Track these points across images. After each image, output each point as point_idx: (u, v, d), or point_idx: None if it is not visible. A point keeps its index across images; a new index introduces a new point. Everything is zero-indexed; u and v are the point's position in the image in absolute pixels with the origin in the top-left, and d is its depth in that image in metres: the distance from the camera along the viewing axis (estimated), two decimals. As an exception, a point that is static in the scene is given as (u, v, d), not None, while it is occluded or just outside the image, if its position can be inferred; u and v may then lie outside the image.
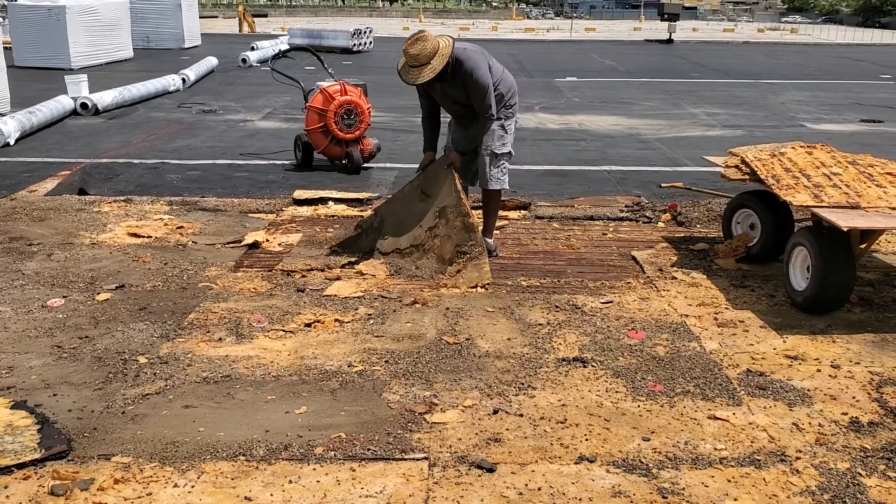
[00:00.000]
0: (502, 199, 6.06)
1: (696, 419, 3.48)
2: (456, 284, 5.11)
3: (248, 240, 5.94)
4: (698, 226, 6.60)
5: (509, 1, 73.20)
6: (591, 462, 3.13)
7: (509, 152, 5.62)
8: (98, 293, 4.89)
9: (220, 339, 4.26)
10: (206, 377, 3.81)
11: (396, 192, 5.88)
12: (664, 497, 2.92)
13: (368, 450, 3.19)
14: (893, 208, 4.58)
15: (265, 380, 3.80)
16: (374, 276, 5.23)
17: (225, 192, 7.83)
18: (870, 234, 4.84)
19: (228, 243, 5.97)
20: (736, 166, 5.56)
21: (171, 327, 4.40)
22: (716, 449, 3.24)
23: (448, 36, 5.32)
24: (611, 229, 6.52)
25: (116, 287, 5.00)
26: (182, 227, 6.35)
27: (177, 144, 10.60)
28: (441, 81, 5.26)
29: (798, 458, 3.18)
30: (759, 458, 3.18)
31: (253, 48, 24.23)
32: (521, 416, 3.48)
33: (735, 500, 2.91)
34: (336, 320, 4.49)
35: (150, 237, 6.05)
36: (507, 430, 3.36)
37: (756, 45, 36.41)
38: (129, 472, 3.02)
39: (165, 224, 6.40)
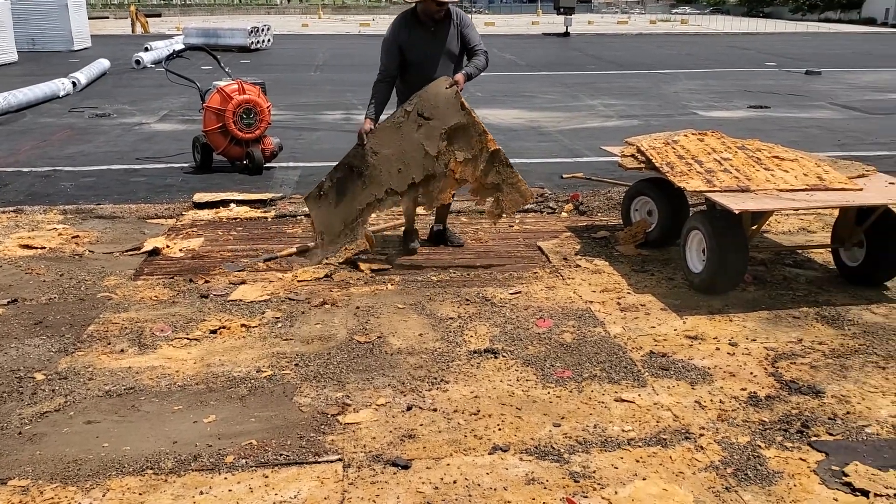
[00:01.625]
0: None
1: (603, 402, 3.57)
2: (498, 213, 5.18)
3: (148, 246, 5.76)
4: (599, 214, 6.77)
5: (408, -4, 73.14)
6: (505, 451, 3.18)
7: None
8: (-12, 309, 4.65)
9: (121, 350, 4.12)
10: (109, 390, 3.68)
11: (383, 122, 5.44)
12: (576, 481, 2.98)
13: (281, 455, 3.14)
14: (781, 190, 4.80)
15: (171, 390, 3.70)
16: (281, 277, 5.15)
17: (122, 199, 7.56)
18: (760, 216, 5.06)
19: (127, 251, 5.77)
20: (632, 155, 5.72)
21: (70, 341, 4.23)
22: (623, 431, 3.33)
23: None
24: (517, 221, 6.61)
25: (9, 302, 4.77)
26: (78, 236, 6.11)
27: (69, 151, 10.17)
28: (437, 27, 5.26)
29: (702, 435, 3.30)
30: (664, 437, 3.29)
31: (147, 49, 23.50)
32: (435, 410, 3.49)
33: (644, 479, 3.00)
34: (242, 325, 4.40)
35: (44, 248, 5.80)
36: (422, 425, 3.37)
37: (649, 37, 37.52)
38: (27, 496, 2.89)
39: (60, 234, 6.14)
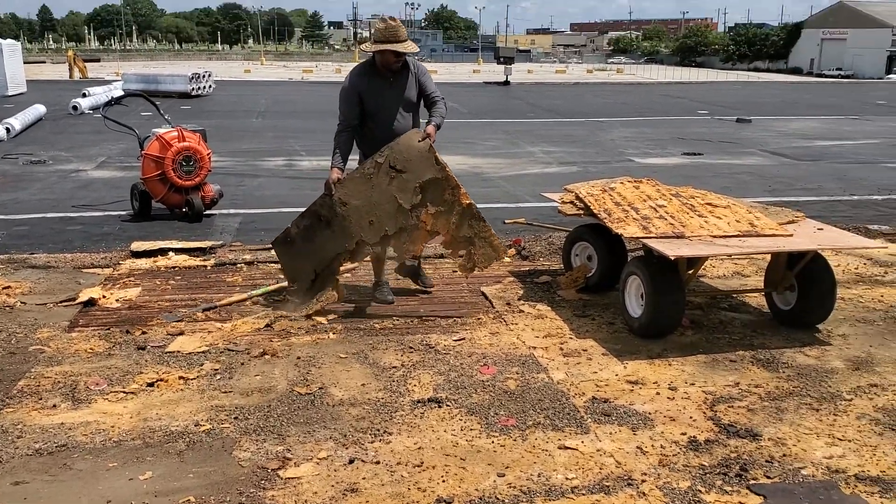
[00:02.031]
0: None
1: (547, 450, 3.57)
2: (471, 267, 5.18)
3: (84, 297, 5.62)
4: (541, 259, 6.85)
5: (351, 44, 73.92)
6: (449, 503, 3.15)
7: None
8: (-90, 365, 4.46)
9: (54, 405, 3.98)
10: (39, 448, 3.55)
11: (351, 172, 5.45)
12: (521, 531, 2.96)
13: (220, 512, 3.06)
14: (715, 236, 4.93)
15: (105, 446, 3.58)
16: (220, 328, 5.07)
17: (57, 248, 7.38)
18: (696, 262, 5.19)
19: (61, 302, 5.62)
20: (571, 202, 5.82)
21: (-2, 397, 4.07)
22: (567, 479, 3.34)
23: None
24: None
25: (-68, 357, 4.59)
26: (9, 287, 5.92)
27: (1, 199, 9.91)
28: (395, 77, 5.33)
29: (644, 481, 3.32)
30: (607, 484, 3.30)
31: (85, 94, 23.20)
32: (378, 463, 3.45)
33: (587, 527, 3.00)
34: (180, 378, 4.30)
35: (-29, 300, 5.60)
36: (364, 479, 3.32)
37: (586, 86, 38.44)
38: (-50, 563, 2.75)
39: (-11, 285, 5.95)
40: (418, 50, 5.38)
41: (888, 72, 63.98)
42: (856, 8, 70.40)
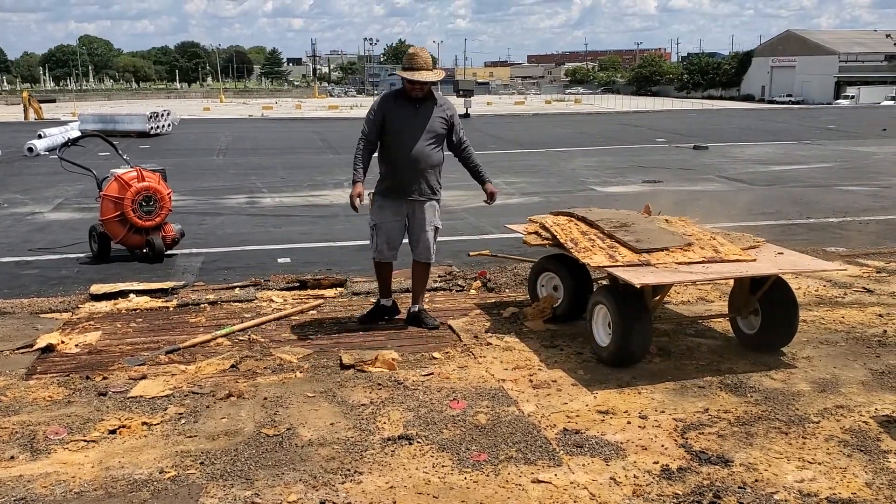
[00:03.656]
0: (317, 277, 6.18)
1: (520, 485, 3.53)
2: None
3: (41, 343, 5.47)
4: (507, 290, 6.84)
5: (311, 80, 74.11)
6: (423, 543, 3.09)
7: (439, 228, 5.90)
8: None
9: (11, 457, 3.85)
10: (-4, 503, 3.42)
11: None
12: (497, 569, 2.91)
13: (187, 562, 2.96)
14: (679, 263, 4.97)
15: (66, 498, 3.46)
16: (185, 370, 4.97)
17: (12, 293, 7.21)
18: (661, 289, 5.22)
19: (18, 349, 5.46)
20: (536, 232, 5.84)
21: (-48, 450, 3.93)
22: (542, 513, 3.30)
23: None
24: (426, 300, 6.60)
25: None
26: (-38, 335, 5.76)
27: (-47, 243, 9.69)
28: (421, 105, 5.56)
29: (618, 512, 3.29)
30: (582, 516, 3.27)
31: (40, 136, 22.91)
32: (349, 504, 3.38)
33: (564, 562, 2.95)
34: (143, 423, 4.19)
35: (-76, 350, 5.43)
36: (336, 520, 3.25)
37: (545, 117, 38.90)
38: None
39: (-58, 333, 5.78)
40: (437, 79, 5.55)
41: (836, 97, 65.82)
42: (803, 36, 72.49)
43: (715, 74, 77.67)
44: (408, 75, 5.44)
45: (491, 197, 5.89)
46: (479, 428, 4.12)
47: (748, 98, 70.02)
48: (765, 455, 3.78)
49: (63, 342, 5.54)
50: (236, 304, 6.58)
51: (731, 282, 5.54)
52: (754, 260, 5.12)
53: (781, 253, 5.37)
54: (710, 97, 72.28)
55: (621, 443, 3.93)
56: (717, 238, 5.43)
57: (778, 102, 63.67)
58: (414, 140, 5.55)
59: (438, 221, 5.84)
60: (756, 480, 3.54)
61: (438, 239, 5.94)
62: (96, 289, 6.84)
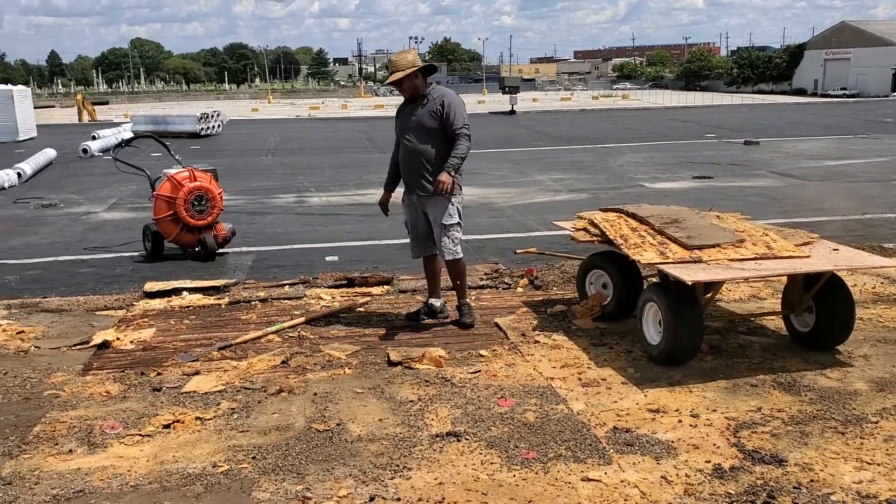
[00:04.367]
0: (364, 275, 6.10)
1: (570, 483, 3.51)
2: None
3: (97, 340, 5.60)
4: (554, 288, 6.80)
5: (356, 79, 74.58)
6: (473, 540, 3.09)
7: (458, 223, 5.75)
8: (-74, 413, 4.44)
9: (70, 450, 3.95)
10: (56, 495, 3.51)
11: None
12: (547, 567, 2.90)
13: (240, 555, 3.01)
14: (731, 260, 4.89)
15: (123, 491, 3.54)
16: (236, 366, 5.04)
17: (69, 291, 7.39)
18: (713, 286, 5.14)
19: (75, 345, 5.61)
20: (584, 229, 5.79)
21: (14, 443, 4.04)
22: (592, 511, 3.27)
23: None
24: (472, 298, 6.60)
25: (-52, 404, 4.57)
26: (22, 331, 5.92)
27: (13, 243, 9.97)
28: (415, 104, 5.66)
29: (670, 511, 3.25)
30: (633, 515, 3.23)
31: (94, 137, 23.45)
32: (399, 500, 3.39)
33: (615, 561, 2.93)
34: (197, 418, 4.27)
35: (-14, 346, 5.60)
36: (385, 516, 3.27)
37: (592, 112, 38.57)
38: None
39: (3, 330, 5.95)
40: (403, 75, 5.56)
41: (894, 89, 64.10)
42: (858, 27, 70.67)
43: (766, 68, 76.18)
44: (390, 78, 5.72)
45: (435, 186, 5.54)
46: (528, 426, 4.10)
47: (800, 92, 68.52)
48: (820, 455, 3.70)
49: (118, 339, 5.66)
50: (286, 301, 6.65)
51: (784, 279, 5.43)
52: (808, 256, 5.01)
53: (837, 249, 5.25)
54: (761, 91, 70.92)
55: (672, 441, 3.88)
56: (769, 234, 5.33)
57: (832, 96, 62.21)
58: (411, 138, 5.69)
59: (448, 218, 5.69)
60: (812, 481, 3.47)
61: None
62: (150, 286, 6.98)
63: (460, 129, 5.57)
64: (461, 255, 5.80)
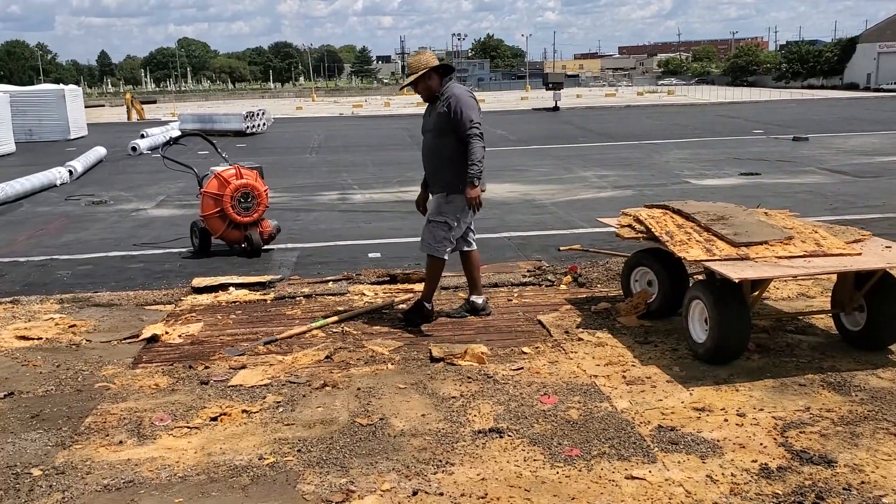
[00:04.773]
0: (406, 272, 6.17)
1: (614, 481, 3.49)
2: None
3: (147, 333, 5.72)
4: (598, 286, 6.75)
5: (399, 77, 74.75)
6: (515, 536, 3.09)
7: (445, 222, 5.71)
8: (-16, 404, 4.58)
9: (120, 441, 4.04)
10: (108, 485, 3.60)
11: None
12: (590, 565, 2.89)
13: (285, 547, 3.05)
14: (780, 257, 4.81)
15: (171, 482, 3.61)
16: (282, 360, 5.11)
17: (119, 286, 7.55)
18: (760, 284, 5.06)
19: (125, 339, 5.73)
20: (629, 225, 5.74)
21: (67, 434, 4.15)
22: (636, 509, 3.25)
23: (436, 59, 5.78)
24: (515, 295, 6.59)
25: (4, 395, 4.70)
26: (75, 325, 6.07)
27: (65, 239, 10.21)
28: (433, 104, 5.73)
29: (715, 511, 3.21)
30: (678, 514, 3.20)
31: (143, 136, 23.88)
32: (442, 494, 3.41)
33: (659, 560, 2.90)
34: (243, 411, 4.33)
35: (41, 339, 5.75)
36: (428, 510, 3.28)
37: (637, 108, 38.17)
38: None
39: (56, 324, 6.10)
40: (419, 73, 5.60)
41: (951, 83, 62.28)
42: (914, 20, 68.76)
43: (816, 63, 74.56)
44: (403, 85, 5.92)
45: (468, 203, 5.54)
46: (571, 423, 4.08)
47: (852, 87, 66.90)
48: (871, 456, 3.62)
49: (167, 333, 5.77)
50: (330, 297, 6.72)
51: (834, 277, 5.32)
52: (860, 254, 4.90)
53: (889, 247, 5.13)
54: (811, 87, 69.47)
55: (718, 440, 3.83)
56: (819, 231, 5.23)
57: (885, 90, 60.64)
58: (428, 138, 5.81)
59: (435, 215, 5.72)
60: (862, 482, 3.40)
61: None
62: (198, 282, 7.11)
63: (469, 130, 5.53)
64: (438, 255, 5.77)
